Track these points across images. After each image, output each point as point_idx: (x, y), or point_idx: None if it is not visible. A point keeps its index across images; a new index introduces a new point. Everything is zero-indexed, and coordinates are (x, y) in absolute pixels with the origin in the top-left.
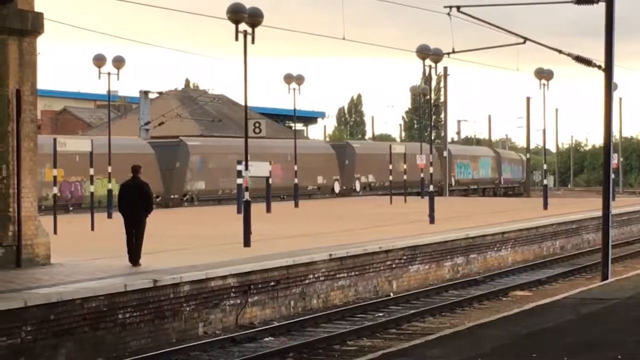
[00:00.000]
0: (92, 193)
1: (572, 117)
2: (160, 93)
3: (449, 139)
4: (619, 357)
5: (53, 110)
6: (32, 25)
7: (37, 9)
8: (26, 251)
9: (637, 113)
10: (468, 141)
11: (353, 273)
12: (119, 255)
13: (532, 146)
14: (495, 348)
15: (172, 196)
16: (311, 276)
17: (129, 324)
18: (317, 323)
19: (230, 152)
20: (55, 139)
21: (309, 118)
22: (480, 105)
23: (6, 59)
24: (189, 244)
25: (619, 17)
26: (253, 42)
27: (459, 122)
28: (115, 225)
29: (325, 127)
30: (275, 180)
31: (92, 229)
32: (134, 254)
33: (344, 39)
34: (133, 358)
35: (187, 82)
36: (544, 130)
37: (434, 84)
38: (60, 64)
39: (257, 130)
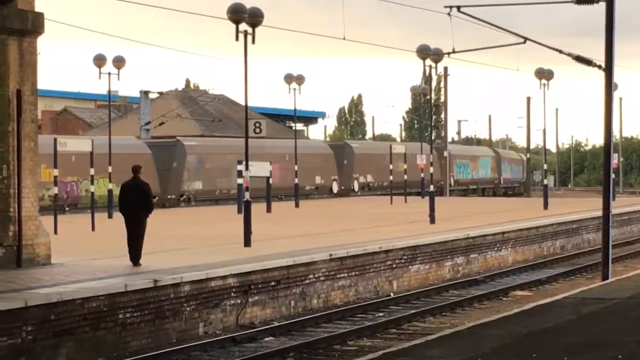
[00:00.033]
0: (92, 193)
1: (572, 117)
2: (161, 93)
3: (449, 139)
4: (620, 357)
5: (53, 110)
6: (33, 25)
7: (37, 9)
8: (27, 251)
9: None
10: (468, 141)
11: (353, 273)
12: (120, 255)
13: (532, 146)
14: (495, 348)
15: (169, 196)
16: (311, 276)
17: (129, 324)
18: (317, 323)
19: (227, 152)
20: (55, 139)
21: (310, 118)
22: (480, 105)
23: (6, 59)
24: (189, 244)
25: (619, 16)
26: (253, 42)
27: (459, 122)
28: (115, 225)
29: (325, 127)
30: (273, 180)
31: (93, 229)
32: (135, 254)
33: (344, 39)
34: (133, 358)
35: (188, 82)
36: (544, 130)
37: (434, 84)
38: (61, 64)
39: (257, 130)
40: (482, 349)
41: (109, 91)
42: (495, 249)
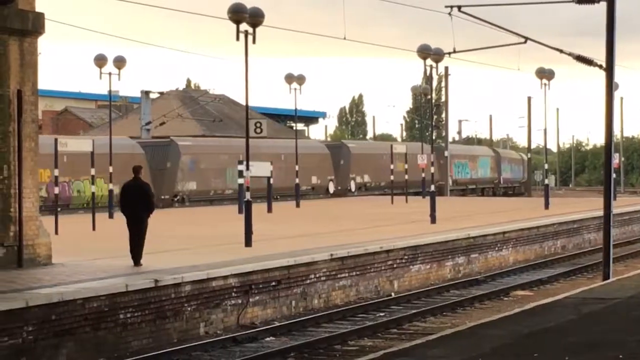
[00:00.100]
0: (93, 193)
1: (573, 117)
2: (162, 93)
3: (450, 139)
4: (621, 356)
5: (54, 111)
6: (33, 25)
7: (38, 9)
8: (27, 251)
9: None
10: (469, 141)
11: (354, 273)
12: (121, 255)
13: (533, 146)
14: (496, 348)
15: (162, 197)
16: (312, 276)
17: (130, 324)
18: (318, 323)
19: (222, 152)
20: (56, 139)
21: (310, 118)
22: (481, 105)
23: (7, 59)
24: (190, 244)
25: (619, 16)
26: (254, 42)
27: (460, 121)
28: (116, 226)
29: (326, 127)
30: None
31: (94, 228)
32: (136, 254)
33: (345, 38)
34: (134, 358)
35: (188, 82)
36: (545, 130)
37: (435, 83)
38: (61, 64)
39: (258, 130)
40: (483, 349)
41: (110, 91)
42: (496, 248)
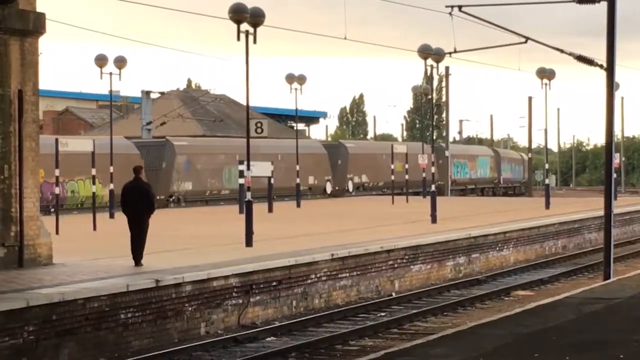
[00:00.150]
0: (94, 193)
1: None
2: (162, 93)
3: (450, 139)
4: (621, 356)
5: (55, 111)
6: (34, 25)
7: (38, 9)
8: (28, 251)
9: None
10: (470, 141)
11: (355, 273)
12: (121, 255)
13: (534, 146)
14: (497, 348)
15: (158, 197)
16: (313, 276)
17: (131, 324)
18: (319, 323)
19: (218, 152)
20: (57, 139)
21: (311, 118)
22: (482, 105)
23: (8, 59)
24: (191, 244)
25: (620, 16)
26: (255, 42)
27: (460, 121)
28: (117, 225)
29: (327, 127)
30: (265, 180)
31: (94, 228)
32: (137, 254)
33: (345, 38)
34: (135, 358)
35: (189, 82)
36: (546, 130)
37: (435, 83)
38: (62, 64)
39: (259, 130)
40: (484, 349)
41: (111, 91)
42: (497, 248)
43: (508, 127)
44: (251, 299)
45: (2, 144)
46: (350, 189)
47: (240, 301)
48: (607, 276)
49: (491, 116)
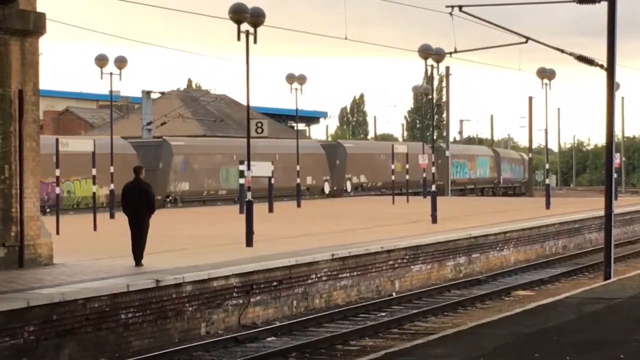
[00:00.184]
0: (94, 193)
1: (574, 117)
2: (163, 93)
3: (451, 139)
4: (622, 356)
5: (55, 111)
6: (34, 25)
7: (39, 9)
8: (29, 251)
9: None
10: (470, 141)
11: (355, 273)
12: (122, 255)
13: (534, 146)
14: (497, 348)
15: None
16: (313, 276)
17: (131, 324)
18: (319, 323)
19: (216, 152)
20: (57, 139)
21: (312, 118)
22: (482, 105)
23: (8, 59)
24: (191, 244)
25: (621, 16)
26: (255, 42)
27: (461, 121)
28: (117, 226)
29: (327, 127)
30: (264, 180)
31: (95, 229)
32: (137, 254)
33: (346, 38)
34: (136, 358)
35: (190, 82)
36: (546, 130)
37: (436, 83)
38: (63, 64)
39: (259, 130)
40: (484, 349)
41: (111, 91)
42: (498, 248)
43: (508, 127)
44: (252, 299)
45: (2, 144)
46: (349, 189)
47: (241, 301)
48: (607, 276)
49: (491, 116)
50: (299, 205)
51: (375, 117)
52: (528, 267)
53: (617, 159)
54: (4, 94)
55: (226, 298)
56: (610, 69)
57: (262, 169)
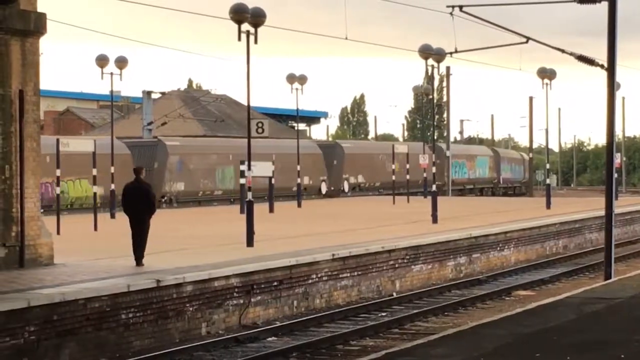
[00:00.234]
0: (95, 193)
1: (574, 117)
2: (163, 93)
3: (451, 139)
4: (622, 356)
5: (56, 111)
6: (35, 25)
7: (39, 9)
8: (29, 251)
9: None
10: (471, 141)
11: (356, 273)
12: (122, 256)
13: (535, 145)
14: (498, 348)
15: None
16: (314, 276)
17: (132, 324)
18: (320, 323)
19: (212, 152)
20: (58, 139)
21: (312, 118)
22: (483, 105)
23: (9, 59)
24: (192, 244)
25: (621, 16)
26: (256, 42)
27: (461, 121)
28: (118, 226)
29: (328, 127)
30: (261, 180)
31: (95, 229)
32: (138, 254)
33: (346, 38)
34: (136, 358)
35: (190, 82)
36: (547, 130)
37: (436, 83)
38: (63, 64)
39: (260, 130)
40: (484, 349)
41: (112, 91)
42: (498, 248)
43: (509, 127)
44: (252, 299)
45: (3, 144)
46: (346, 190)
47: (242, 301)
48: (608, 276)
49: (492, 116)
50: (299, 205)
51: (375, 117)
52: (528, 267)
53: (618, 159)
54: (5, 94)
55: (227, 298)
56: (611, 69)
57: (262, 169)
